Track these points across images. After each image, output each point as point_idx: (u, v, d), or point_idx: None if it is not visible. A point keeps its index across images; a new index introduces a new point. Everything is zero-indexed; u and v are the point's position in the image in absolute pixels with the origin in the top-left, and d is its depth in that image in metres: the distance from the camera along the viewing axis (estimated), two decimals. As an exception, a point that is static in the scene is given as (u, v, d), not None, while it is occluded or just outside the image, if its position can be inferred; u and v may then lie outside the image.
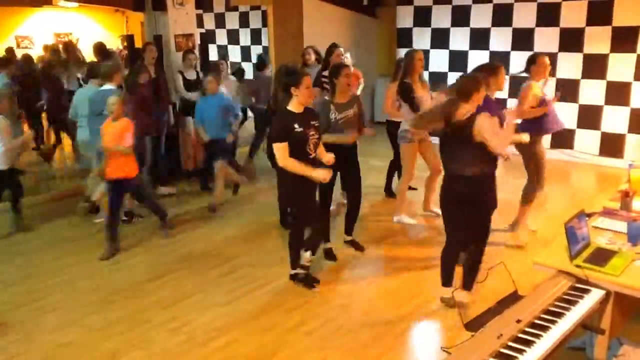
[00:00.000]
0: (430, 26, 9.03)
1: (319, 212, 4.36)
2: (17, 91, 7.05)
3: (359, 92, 6.02)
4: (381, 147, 6.48)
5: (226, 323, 3.87)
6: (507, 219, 5.14)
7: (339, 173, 4.71)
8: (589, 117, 7.60)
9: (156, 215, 5.47)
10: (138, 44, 7.92)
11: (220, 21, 11.64)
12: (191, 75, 7.07)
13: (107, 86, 5.42)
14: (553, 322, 2.53)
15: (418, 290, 4.23)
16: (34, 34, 13.22)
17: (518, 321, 2.50)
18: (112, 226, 5.02)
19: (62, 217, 6.03)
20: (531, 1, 7.83)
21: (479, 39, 8.47)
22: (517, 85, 5.03)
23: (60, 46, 10.57)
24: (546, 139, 6.24)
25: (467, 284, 3.88)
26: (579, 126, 7.73)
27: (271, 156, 4.22)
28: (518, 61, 7.46)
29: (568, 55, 7.58)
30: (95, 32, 13.77)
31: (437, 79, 8.41)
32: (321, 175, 3.97)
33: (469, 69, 8.49)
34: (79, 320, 3.95)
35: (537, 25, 7.83)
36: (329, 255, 4.82)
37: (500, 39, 8.24)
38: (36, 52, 11.12)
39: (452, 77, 8.10)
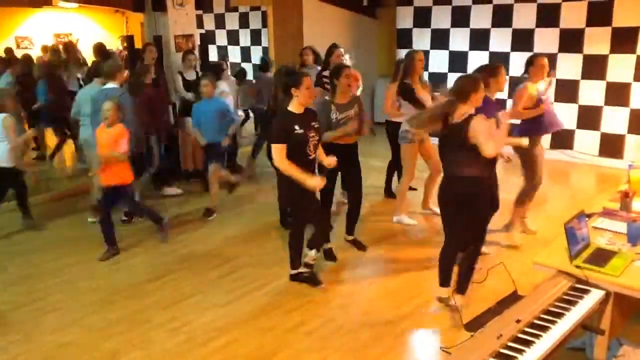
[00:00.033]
0: (430, 27, 9.03)
1: (321, 211, 4.35)
2: (17, 91, 7.05)
3: (357, 94, 6.02)
4: (381, 148, 6.49)
5: (226, 323, 3.87)
6: (506, 220, 5.14)
7: (339, 173, 4.72)
8: (589, 117, 7.61)
9: (152, 221, 5.39)
10: (138, 44, 7.92)
11: (220, 22, 11.65)
12: (191, 75, 7.07)
13: (110, 85, 5.45)
14: (553, 322, 2.54)
15: (418, 291, 4.23)
16: (33, 35, 13.22)
17: (518, 321, 2.51)
18: (105, 230, 4.98)
19: (62, 217, 6.03)
20: (531, 2, 7.83)
21: (479, 39, 8.48)
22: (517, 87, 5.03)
23: (61, 46, 10.58)
24: (546, 139, 6.25)
25: (462, 287, 3.85)
26: (578, 127, 7.73)
27: (271, 156, 4.23)
28: (518, 62, 7.47)
29: (568, 56, 7.59)
30: (95, 32, 13.77)
31: (437, 80, 8.40)
32: (314, 183, 3.97)
33: (469, 69, 8.51)
34: (79, 321, 3.96)
35: (537, 26, 7.83)
36: (329, 255, 4.81)
37: (500, 40, 8.25)
38: (35, 53, 11.11)
39: (452, 78, 8.10)
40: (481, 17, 8.39)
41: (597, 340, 2.96)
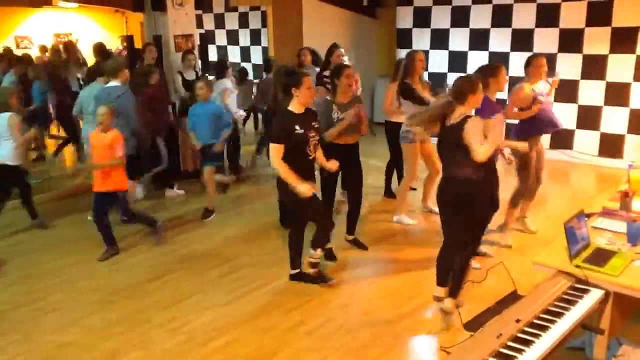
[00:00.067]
0: (429, 27, 9.03)
1: (322, 210, 4.34)
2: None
3: (358, 94, 6.03)
4: (381, 148, 6.49)
5: (226, 323, 3.87)
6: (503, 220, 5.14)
7: (340, 173, 4.72)
8: (589, 117, 7.61)
9: (145, 225, 5.34)
10: (138, 44, 7.92)
11: (219, 22, 11.65)
12: (190, 75, 7.08)
13: (113, 83, 5.48)
14: (552, 322, 2.54)
15: (418, 290, 4.23)
16: (33, 35, 13.22)
17: (517, 321, 2.51)
18: (102, 232, 4.97)
19: (63, 217, 6.02)
20: (531, 2, 7.84)
21: (479, 39, 8.48)
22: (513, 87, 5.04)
23: (61, 46, 10.58)
24: (546, 139, 6.25)
25: (454, 291, 3.79)
26: (578, 127, 7.73)
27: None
28: (517, 62, 7.47)
29: (567, 56, 7.59)
30: (94, 32, 13.77)
31: (437, 80, 8.41)
32: (304, 190, 3.95)
33: (469, 69, 8.53)
34: (78, 321, 3.96)
35: (537, 26, 7.84)
36: (329, 255, 4.81)
37: (500, 40, 8.25)
38: (34, 53, 11.12)
39: (452, 78, 8.10)
40: (481, 17, 8.39)
41: (597, 339, 2.97)
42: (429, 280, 4.25)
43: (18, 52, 10.55)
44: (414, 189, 6.25)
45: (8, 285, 4.53)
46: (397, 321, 3.83)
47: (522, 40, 7.97)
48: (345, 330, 3.75)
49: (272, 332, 3.74)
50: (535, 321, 2.55)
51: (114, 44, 12.51)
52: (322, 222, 4.26)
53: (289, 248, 4.40)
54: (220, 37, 11.71)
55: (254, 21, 10.89)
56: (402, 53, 8.66)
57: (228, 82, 6.84)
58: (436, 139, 3.82)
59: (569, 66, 7.55)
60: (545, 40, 7.74)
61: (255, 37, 10.99)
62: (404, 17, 9.33)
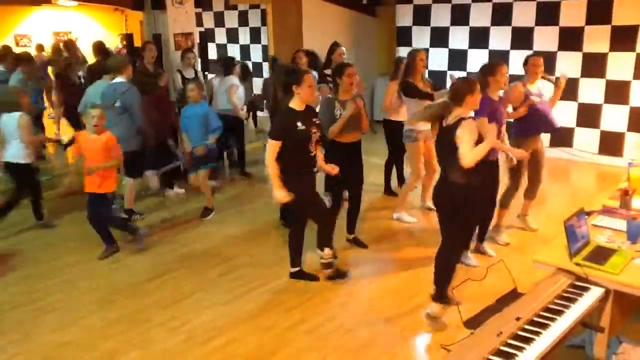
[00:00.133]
0: (429, 25, 9.02)
1: (323, 209, 4.33)
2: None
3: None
4: (381, 146, 6.48)
5: (226, 322, 3.87)
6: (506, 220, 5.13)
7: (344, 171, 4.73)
8: (589, 115, 7.60)
9: (127, 232, 5.23)
10: (137, 42, 7.94)
11: (219, 20, 11.64)
12: (190, 74, 7.07)
13: (118, 79, 5.52)
14: (552, 319, 2.54)
15: (418, 289, 4.23)
16: (33, 33, 13.22)
17: (518, 319, 2.51)
18: (99, 231, 4.96)
19: (63, 216, 6.02)
20: (530, 0, 7.83)
21: (479, 37, 8.47)
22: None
23: (61, 45, 10.58)
24: (545, 137, 6.24)
25: (437, 295, 3.74)
26: (578, 125, 7.73)
27: None
28: (517, 60, 7.46)
29: (567, 54, 7.58)
30: (94, 30, 13.79)
31: (437, 78, 8.40)
32: (279, 196, 4.03)
33: (469, 67, 8.53)
34: (78, 320, 3.95)
35: (537, 24, 7.82)
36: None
37: (500, 38, 8.24)
38: (32, 52, 11.10)
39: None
40: (481, 15, 8.38)
41: (597, 337, 2.97)
42: (429, 279, 4.24)
43: (17, 51, 10.52)
44: (414, 186, 6.24)
45: (8, 285, 4.52)
46: (398, 320, 3.83)
47: (522, 38, 7.96)
48: (346, 329, 3.74)
49: (272, 331, 3.74)
50: (536, 319, 2.55)
51: (114, 43, 12.53)
52: (322, 221, 4.26)
53: (289, 247, 4.41)
54: (220, 36, 11.70)
55: (254, 19, 10.88)
56: (402, 51, 8.67)
57: (235, 79, 6.84)
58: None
59: (569, 64, 7.54)
60: (545, 38, 7.73)
61: (255, 36, 10.99)
62: (404, 15, 9.31)
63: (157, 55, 6.95)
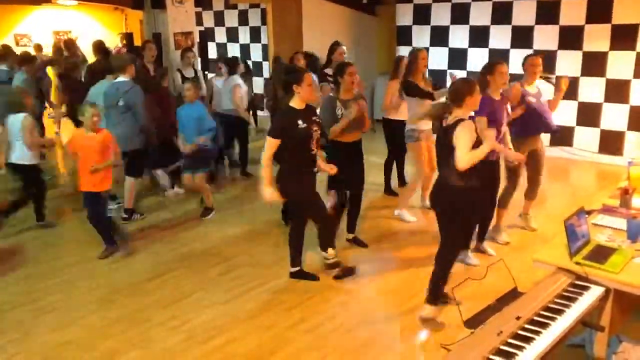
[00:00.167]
0: (429, 24, 9.02)
1: (321, 209, 4.33)
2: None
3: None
4: (381, 145, 6.48)
5: (226, 322, 3.87)
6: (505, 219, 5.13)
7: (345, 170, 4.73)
8: (589, 114, 7.60)
9: (116, 234, 5.16)
10: (137, 42, 7.94)
11: (219, 19, 11.63)
12: (189, 73, 7.07)
13: (121, 78, 5.52)
14: (553, 319, 2.54)
15: (418, 288, 4.21)
16: (33, 32, 13.21)
17: (518, 318, 2.51)
18: (99, 230, 4.97)
19: (63, 216, 6.02)
20: (530, -1, 7.83)
21: (479, 36, 8.47)
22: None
23: (62, 44, 10.57)
24: (546, 137, 6.24)
25: (431, 296, 3.72)
26: (578, 124, 7.73)
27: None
28: (518, 59, 7.45)
29: (567, 53, 7.58)
30: (94, 30, 13.78)
31: (437, 77, 8.40)
32: (267, 195, 4.04)
33: (469, 66, 8.53)
34: (78, 320, 3.95)
35: (537, 22, 7.82)
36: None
37: (500, 37, 8.23)
38: (30, 51, 11.10)
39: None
40: (481, 14, 8.38)
41: (597, 337, 2.96)
42: (429, 278, 4.24)
43: (17, 50, 10.51)
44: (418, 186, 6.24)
45: (8, 285, 4.52)
46: (398, 319, 3.83)
47: (522, 37, 7.96)
48: (346, 328, 3.74)
49: (272, 331, 3.74)
50: (536, 318, 2.54)
51: (114, 42, 12.50)
52: (322, 221, 4.26)
53: (289, 245, 4.41)
54: (220, 35, 11.69)
55: (254, 18, 10.87)
56: (402, 50, 8.67)
57: (239, 79, 6.83)
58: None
59: (569, 63, 7.55)
60: (545, 37, 7.72)
61: (255, 35, 10.98)
62: (404, 15, 9.31)
63: (157, 54, 6.96)
